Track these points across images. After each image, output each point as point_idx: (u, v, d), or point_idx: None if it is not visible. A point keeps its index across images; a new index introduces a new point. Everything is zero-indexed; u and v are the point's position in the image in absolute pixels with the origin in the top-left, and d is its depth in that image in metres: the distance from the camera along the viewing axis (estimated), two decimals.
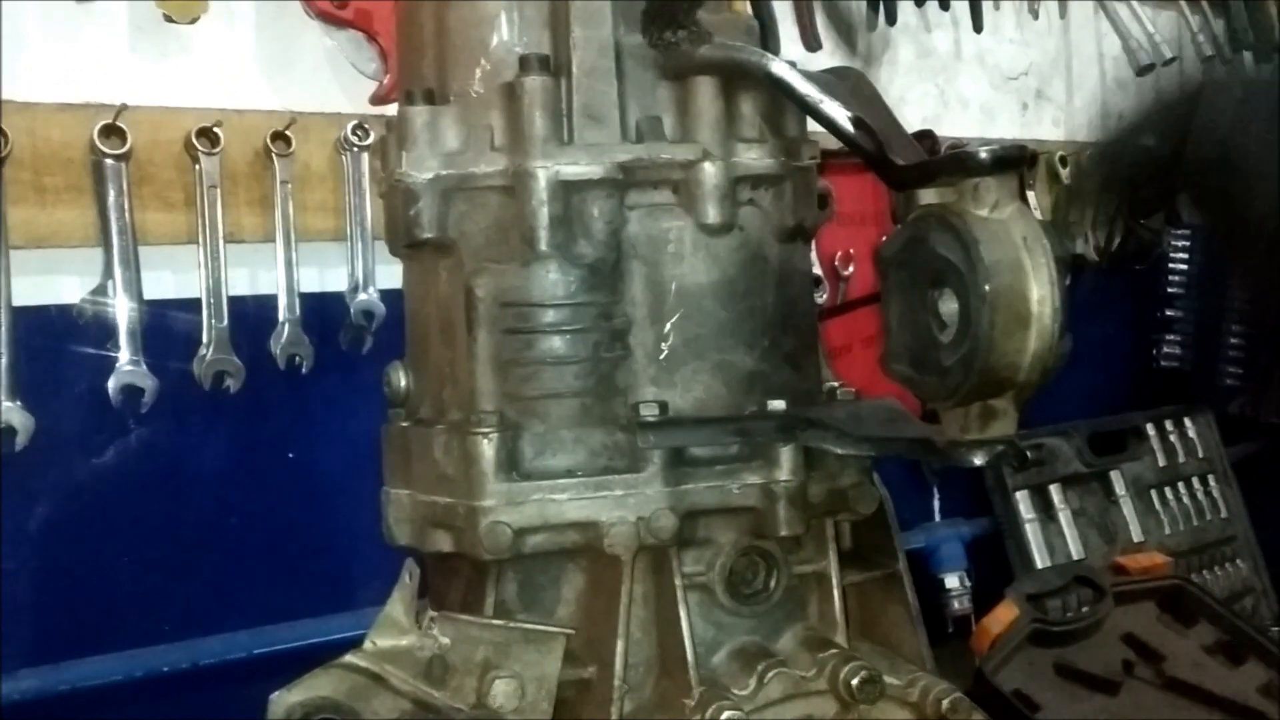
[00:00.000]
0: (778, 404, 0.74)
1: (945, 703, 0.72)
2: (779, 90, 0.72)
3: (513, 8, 0.75)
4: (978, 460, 0.67)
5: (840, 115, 0.70)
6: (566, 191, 0.72)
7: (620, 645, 0.72)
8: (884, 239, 0.72)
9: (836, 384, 0.82)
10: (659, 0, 0.73)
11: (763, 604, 0.76)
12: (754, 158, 0.76)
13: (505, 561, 0.73)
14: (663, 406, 0.73)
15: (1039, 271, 0.63)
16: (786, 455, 0.74)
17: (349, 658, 0.69)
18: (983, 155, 0.65)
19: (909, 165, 0.68)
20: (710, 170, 0.74)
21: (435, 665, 0.70)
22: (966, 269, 0.63)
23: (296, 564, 1.26)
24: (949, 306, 0.66)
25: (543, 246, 0.72)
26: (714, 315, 0.75)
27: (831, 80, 0.74)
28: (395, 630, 0.70)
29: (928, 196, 0.69)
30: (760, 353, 0.76)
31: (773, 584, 0.76)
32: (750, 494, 0.74)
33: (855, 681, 0.71)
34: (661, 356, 0.75)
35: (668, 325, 0.75)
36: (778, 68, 0.72)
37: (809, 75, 0.72)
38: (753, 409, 0.75)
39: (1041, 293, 0.63)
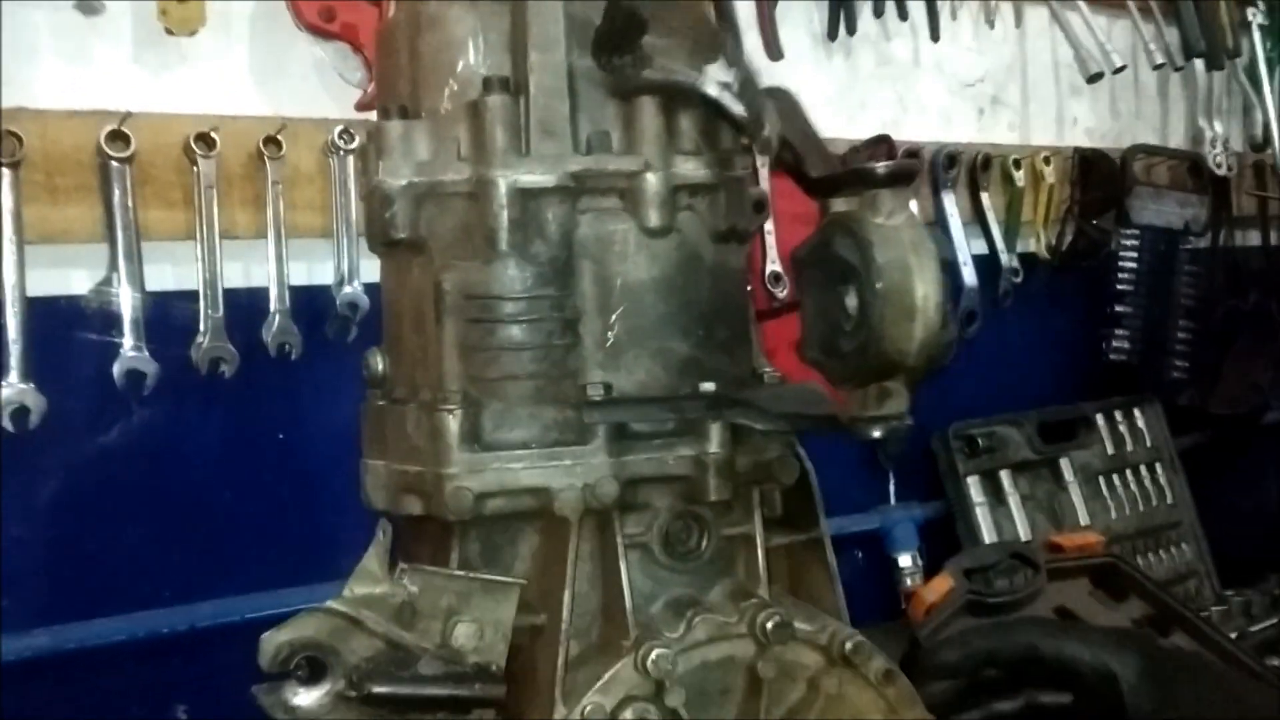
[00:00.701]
0: (708, 386, 0.82)
1: (849, 645, 0.80)
2: (711, 109, 0.81)
3: (478, 35, 0.82)
4: (875, 433, 0.76)
5: (774, 146, 0.79)
6: (524, 198, 0.79)
7: (568, 595, 0.80)
8: (800, 242, 0.82)
9: (766, 370, 0.91)
10: (607, 29, 0.81)
11: (695, 561, 0.83)
12: (691, 169, 0.83)
13: (468, 523, 0.81)
14: (607, 388, 0.81)
15: (924, 271, 0.72)
16: (715, 430, 0.81)
17: (330, 603, 0.77)
18: (879, 170, 0.74)
19: (820, 177, 0.78)
20: (652, 179, 0.81)
21: (405, 611, 0.78)
22: (863, 268, 0.72)
23: (285, 535, 1.33)
24: (850, 301, 0.74)
25: (503, 246, 0.79)
26: (654, 308, 0.83)
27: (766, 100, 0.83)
28: (370, 580, 0.78)
29: (838, 205, 0.78)
30: (695, 341, 0.83)
31: (704, 544, 0.83)
32: (684, 464, 0.82)
33: (770, 625, 0.79)
34: (608, 344, 0.82)
35: (613, 316, 0.82)
36: (711, 89, 0.81)
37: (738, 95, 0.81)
38: (687, 390, 0.83)
39: (926, 290, 0.72)
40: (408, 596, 0.78)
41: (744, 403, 0.82)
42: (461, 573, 0.80)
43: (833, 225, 0.76)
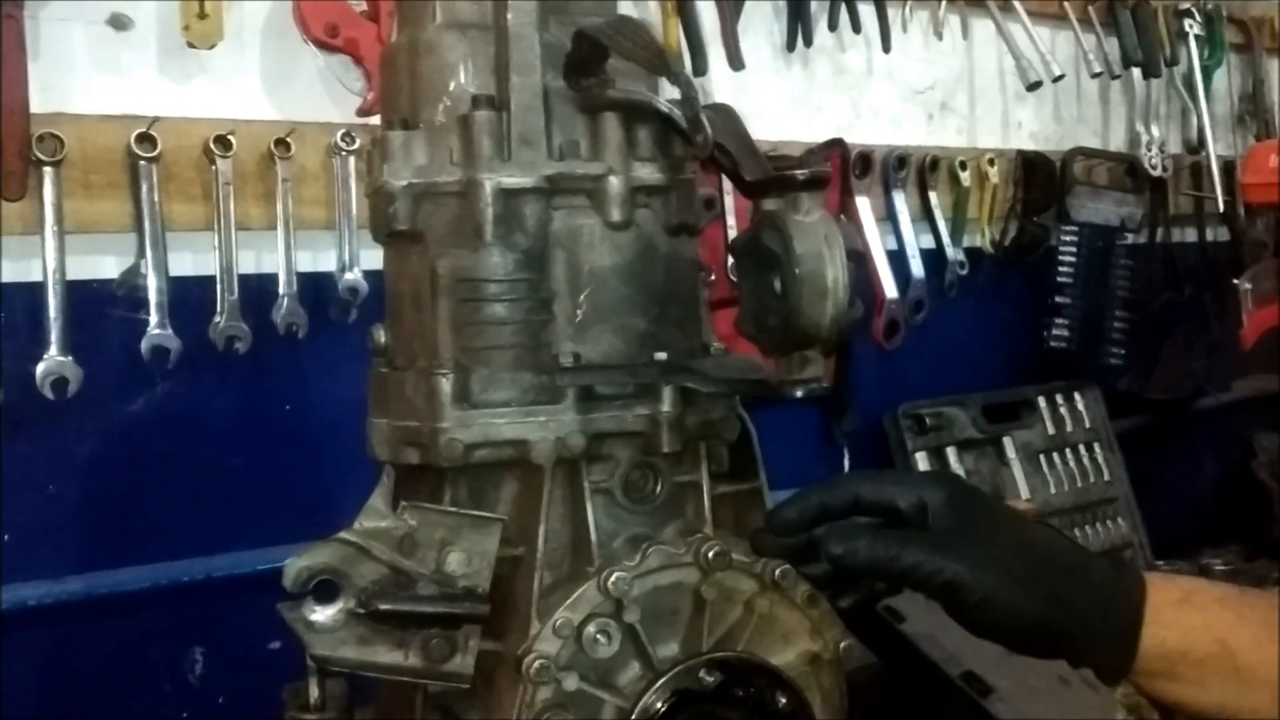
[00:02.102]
0: (661, 355, 0.94)
1: (778, 572, 0.93)
2: (663, 122, 0.95)
3: (467, 60, 0.94)
4: (798, 393, 0.90)
5: (710, 148, 0.93)
6: (506, 196, 0.92)
7: (542, 531, 0.92)
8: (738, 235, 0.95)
9: (713, 344, 1.04)
10: (576, 55, 0.93)
11: (650, 504, 0.96)
12: (648, 173, 0.95)
13: (459, 470, 0.93)
14: (576, 356, 0.93)
15: (834, 260, 0.85)
16: (668, 393, 0.94)
17: (342, 534, 0.89)
18: (799, 176, 0.88)
19: (753, 180, 0.92)
20: (614, 182, 0.94)
21: (405, 542, 0.90)
22: (784, 257, 0.86)
23: (292, 495, 1.42)
24: (776, 284, 0.88)
25: (488, 237, 0.92)
26: (617, 290, 0.95)
27: (708, 113, 0.97)
28: (376, 515, 0.90)
29: (768, 204, 0.91)
30: (651, 318, 0.96)
31: (658, 490, 0.96)
32: (641, 421, 0.94)
33: (711, 554, 0.91)
34: (577, 320, 0.94)
35: (582, 297, 0.94)
36: (663, 107, 0.95)
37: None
38: (644, 359, 0.95)
39: (835, 274, 0.85)
40: (408, 530, 0.91)
41: (691, 370, 0.95)
42: (453, 509, 0.93)
43: (762, 221, 0.90)
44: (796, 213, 0.87)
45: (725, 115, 0.98)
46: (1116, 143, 2.37)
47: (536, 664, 0.89)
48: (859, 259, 0.88)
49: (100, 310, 1.32)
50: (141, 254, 1.32)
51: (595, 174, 0.95)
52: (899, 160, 1.98)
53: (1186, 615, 0.84)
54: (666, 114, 0.93)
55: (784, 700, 0.91)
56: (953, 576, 0.80)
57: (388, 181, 0.94)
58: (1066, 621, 0.82)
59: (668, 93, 0.96)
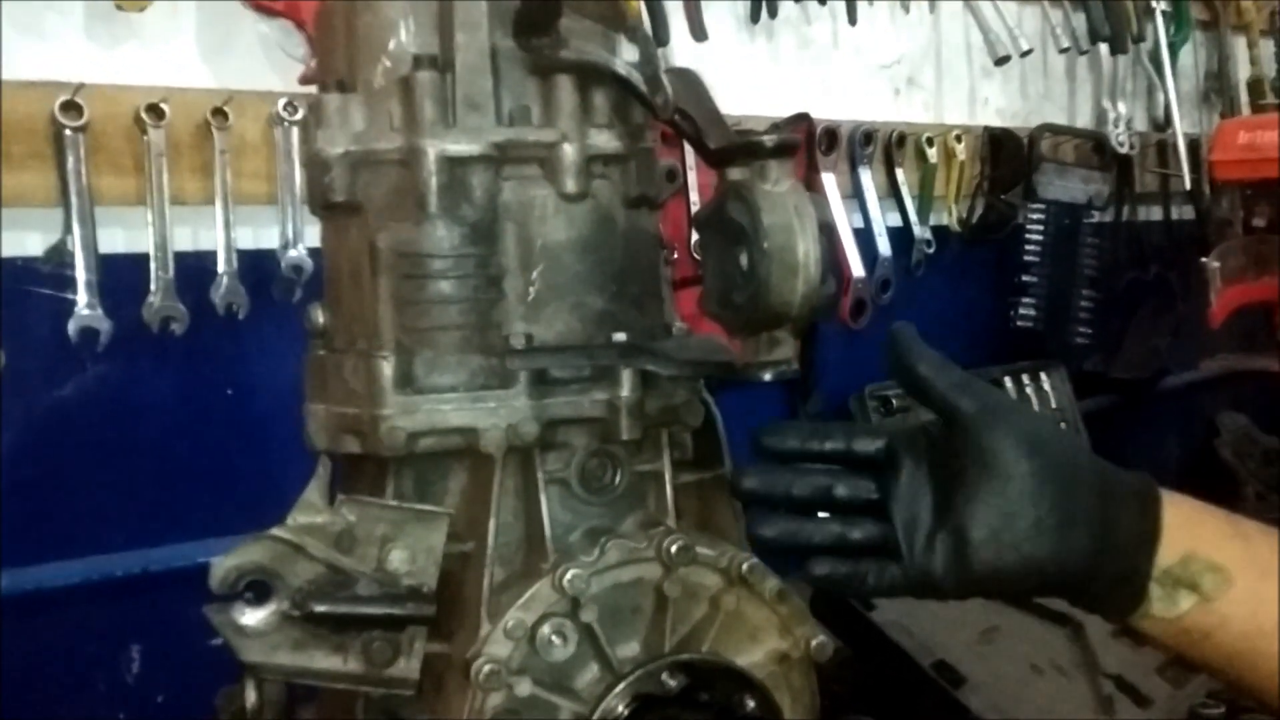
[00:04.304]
0: (620, 336, 0.89)
1: (745, 566, 0.88)
2: (622, 88, 0.90)
3: (408, 16, 0.88)
4: (766, 376, 0.85)
5: (670, 111, 0.88)
6: (451, 165, 0.86)
7: (493, 525, 0.87)
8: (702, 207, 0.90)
9: (676, 324, 0.99)
10: (526, 12, 0.88)
11: (609, 495, 0.91)
12: (604, 140, 0.90)
13: (402, 459, 0.88)
14: (529, 338, 0.88)
15: (805, 233, 0.81)
16: (627, 376, 0.89)
17: (274, 531, 0.83)
18: (767, 143, 0.83)
19: (717, 148, 0.87)
20: (569, 150, 0.89)
21: (344, 538, 0.84)
22: (752, 230, 0.81)
23: (234, 484, 1.37)
24: (743, 259, 0.83)
25: (432, 209, 0.86)
26: (571, 266, 0.90)
27: (669, 77, 0.91)
28: (311, 510, 0.85)
29: (734, 173, 0.86)
30: (609, 296, 0.91)
31: (617, 480, 0.91)
32: (598, 407, 0.89)
33: (674, 549, 0.86)
34: (529, 298, 0.89)
35: (534, 274, 0.89)
36: (620, 68, 0.89)
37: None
38: (601, 340, 0.90)
39: (806, 248, 0.81)
40: (346, 525, 0.85)
41: (652, 351, 0.90)
42: (395, 503, 0.87)
43: (728, 191, 0.85)
44: (764, 182, 0.83)
45: (688, 80, 0.93)
46: (1083, 120, 2.36)
47: (486, 668, 0.84)
48: (830, 232, 0.82)
49: (24, 290, 1.27)
50: (68, 230, 1.27)
51: (548, 141, 0.89)
52: (865, 136, 1.94)
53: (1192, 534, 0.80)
54: (624, 76, 0.88)
55: (752, 703, 0.87)
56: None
57: (323, 149, 0.89)
58: (1079, 562, 0.78)
59: (626, 55, 0.90)
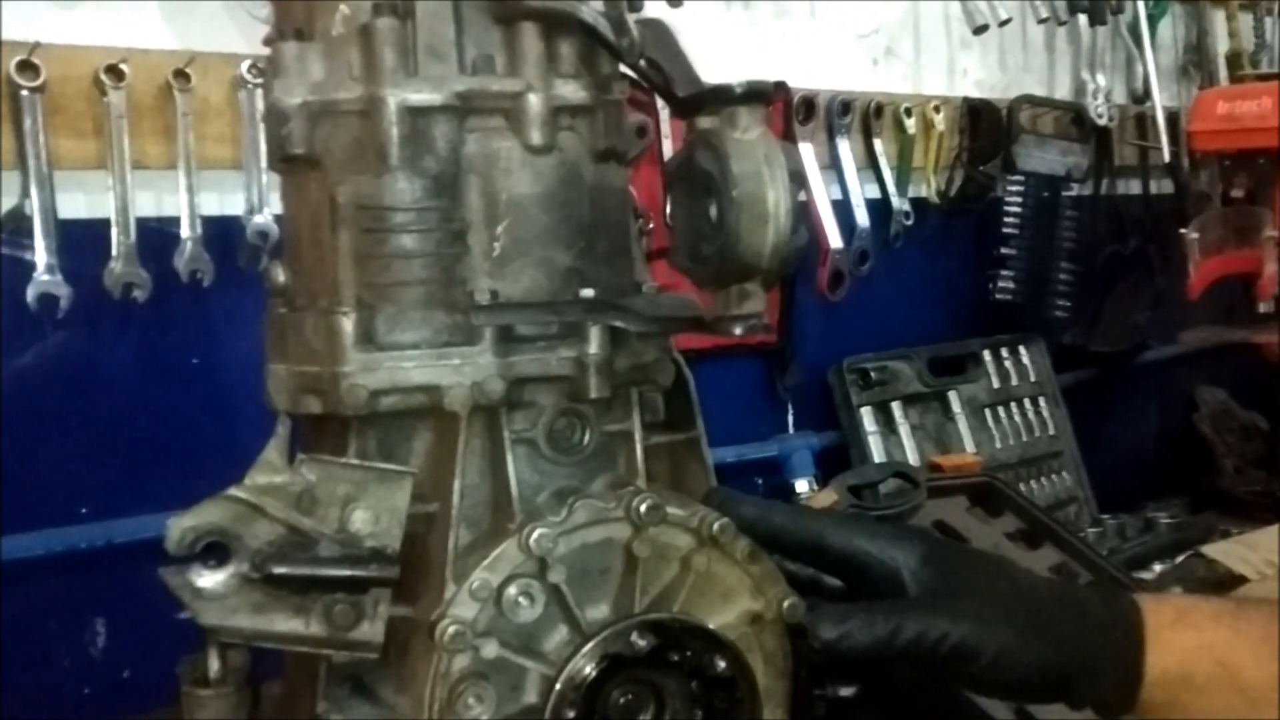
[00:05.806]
0: (587, 292, 0.87)
1: (716, 526, 0.86)
2: (588, 35, 0.87)
3: None
4: (737, 330, 0.83)
5: (636, 54, 0.85)
6: (413, 115, 0.84)
7: (458, 485, 0.85)
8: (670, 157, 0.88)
9: (646, 282, 0.97)
10: None
11: (578, 455, 0.89)
12: (571, 91, 0.88)
13: (365, 419, 0.85)
14: (494, 294, 0.85)
15: (775, 181, 0.79)
16: (595, 333, 0.87)
17: (231, 490, 0.81)
18: (736, 88, 0.81)
19: (686, 96, 0.85)
20: (534, 100, 0.86)
21: (304, 498, 0.82)
22: (720, 178, 0.79)
23: (199, 454, 1.35)
24: (712, 209, 0.82)
25: (393, 161, 0.84)
26: (537, 220, 0.87)
27: (637, 26, 0.89)
28: (271, 470, 0.82)
29: (703, 122, 0.85)
30: (577, 251, 0.89)
31: (586, 439, 0.89)
32: (566, 365, 0.87)
33: (643, 509, 0.84)
34: (494, 254, 0.87)
35: (499, 228, 0.87)
36: (587, 15, 0.86)
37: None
38: (569, 297, 0.88)
39: (777, 197, 0.79)
40: (306, 485, 0.83)
41: (620, 308, 0.88)
42: (357, 462, 0.85)
43: (696, 140, 0.83)
44: (734, 130, 0.81)
45: (657, 29, 0.91)
46: (1062, 91, 2.34)
47: (451, 630, 0.82)
48: (801, 181, 0.81)
49: None
50: (26, 194, 1.25)
51: (512, 91, 0.86)
52: (843, 106, 1.92)
53: (1183, 636, 0.79)
54: (591, 24, 0.85)
55: (723, 664, 0.85)
56: (959, 639, 0.75)
57: (280, 99, 0.86)
58: (1073, 663, 0.78)
59: (594, 5, 0.88)
